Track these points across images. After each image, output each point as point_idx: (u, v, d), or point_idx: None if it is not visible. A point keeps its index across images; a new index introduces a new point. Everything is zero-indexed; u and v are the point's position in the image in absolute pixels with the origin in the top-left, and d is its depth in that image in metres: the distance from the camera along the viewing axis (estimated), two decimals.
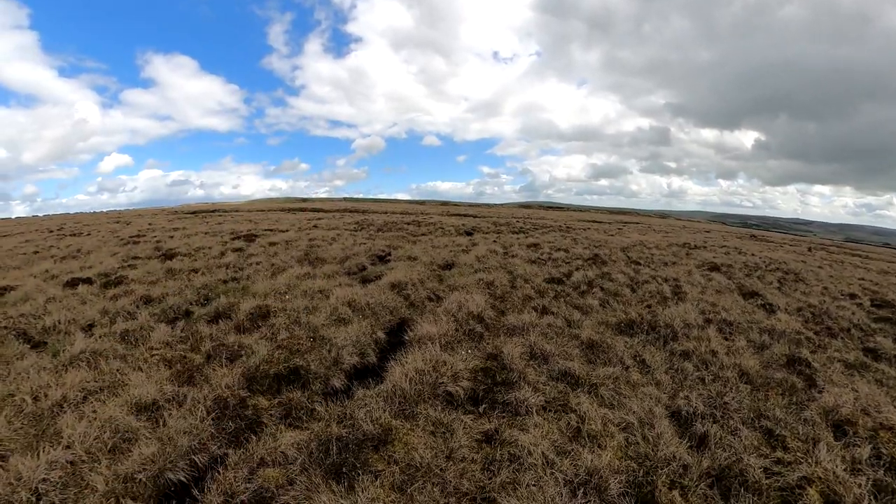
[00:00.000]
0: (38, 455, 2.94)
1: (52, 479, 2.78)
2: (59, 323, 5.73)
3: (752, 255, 17.41)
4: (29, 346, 5.13)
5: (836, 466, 3.19)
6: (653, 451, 3.28)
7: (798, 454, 3.38)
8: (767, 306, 8.09)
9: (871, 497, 3.01)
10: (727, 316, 6.87)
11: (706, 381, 4.59)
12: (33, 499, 2.67)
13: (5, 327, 5.63)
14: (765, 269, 13.10)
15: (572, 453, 3.17)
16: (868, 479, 3.15)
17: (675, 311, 6.71)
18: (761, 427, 3.78)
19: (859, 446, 3.55)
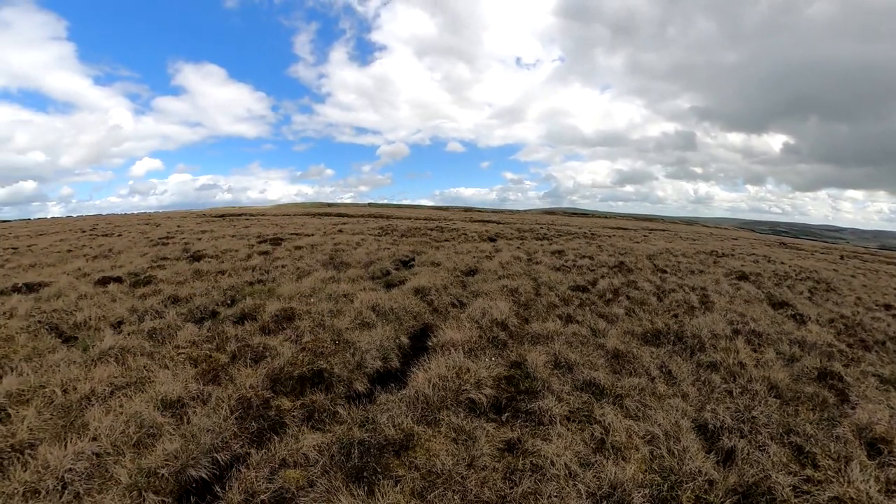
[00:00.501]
0: (65, 446, 3.05)
1: (77, 470, 2.87)
2: (90, 319, 5.93)
3: (782, 263, 16.90)
4: (60, 340, 5.33)
5: (870, 487, 3.06)
6: (678, 465, 3.20)
7: (829, 473, 3.25)
8: (798, 317, 7.84)
9: None
10: (756, 326, 6.67)
11: (734, 393, 4.46)
12: (59, 487, 2.76)
13: (39, 321, 5.86)
14: (795, 279, 12.70)
15: (596, 465, 3.12)
16: None
17: (702, 321, 6.54)
18: (790, 443, 3.65)
19: (895, 466, 3.40)
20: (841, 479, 3.14)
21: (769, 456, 3.41)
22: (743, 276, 11.82)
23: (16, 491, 2.70)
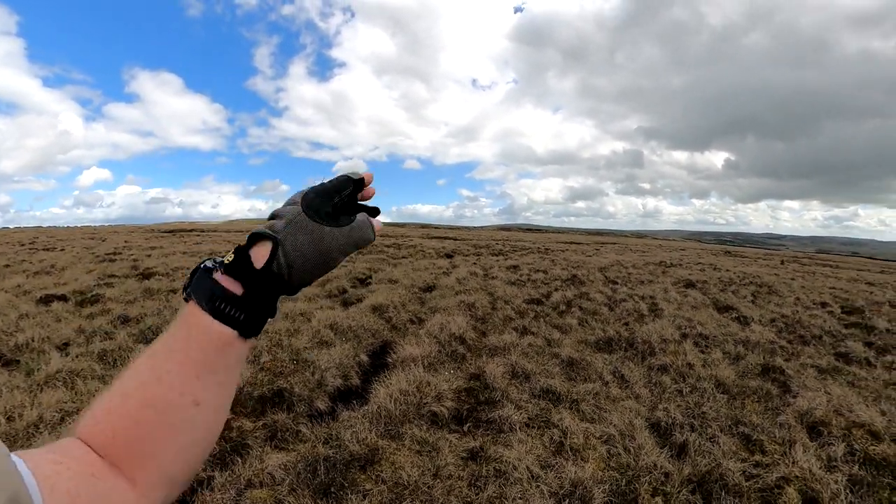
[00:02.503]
0: None
1: None
2: (33, 340, 5.56)
3: (727, 270, 17.90)
4: (0, 363, 4.99)
5: (813, 465, 3.33)
6: (634, 461, 3.38)
7: (776, 456, 3.52)
8: (742, 319, 8.35)
9: (848, 491, 3.14)
10: (703, 330, 7.08)
11: (684, 392, 4.73)
12: None
13: None
14: (739, 284, 13.49)
15: (556, 466, 3.24)
16: (843, 475, 3.30)
17: (652, 328, 6.88)
18: (739, 433, 3.92)
19: (834, 445, 3.70)
20: (787, 461, 3.40)
21: (720, 446, 3.64)
22: (690, 284, 12.44)
23: None
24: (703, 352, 6.10)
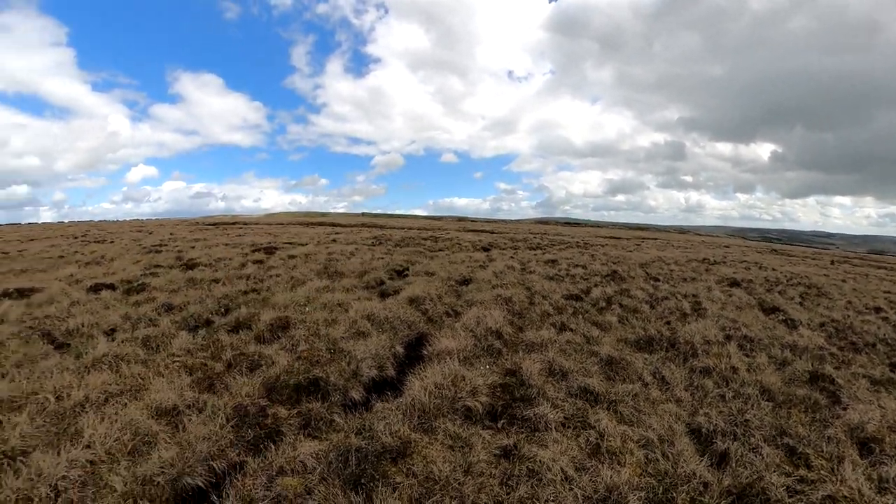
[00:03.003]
0: (58, 453, 3.02)
1: (71, 477, 2.85)
2: (83, 326, 5.89)
3: (773, 269, 17.08)
4: (53, 346, 5.28)
5: (862, 485, 3.12)
6: (672, 468, 3.24)
7: (822, 472, 3.31)
8: (789, 322, 7.94)
9: None
10: (748, 332, 6.76)
11: (727, 398, 4.51)
12: (52, 495, 2.74)
13: (31, 327, 5.83)
14: (786, 284, 12.85)
15: (591, 469, 3.15)
16: None
17: (694, 328, 6.62)
18: (784, 445, 3.70)
19: (886, 464, 3.45)
20: (834, 479, 3.19)
21: (763, 458, 3.45)
22: (734, 283, 11.94)
23: (8, 499, 2.68)
24: (747, 355, 5.82)
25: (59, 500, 2.72)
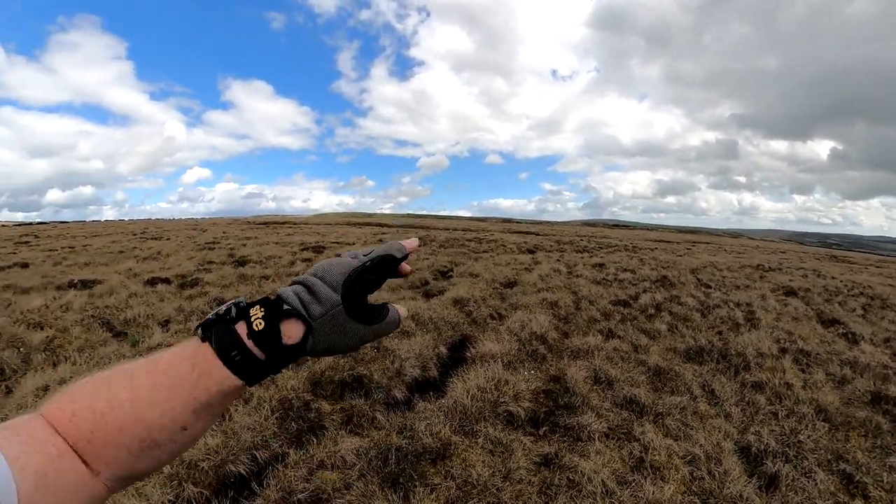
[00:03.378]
0: None
1: None
2: (139, 316, 6.28)
3: (833, 278, 16.04)
4: (111, 334, 5.67)
5: None
6: (718, 487, 3.12)
7: None
8: (850, 336, 7.44)
9: None
10: (804, 345, 6.38)
11: (779, 416, 4.28)
12: None
13: (92, 316, 6.26)
14: (847, 294, 12.04)
15: (633, 484, 3.07)
16: None
17: (747, 339, 6.31)
18: (839, 471, 3.47)
19: None
20: None
21: (816, 483, 3.25)
22: (791, 292, 11.30)
23: None
24: (803, 371, 5.50)
25: None
